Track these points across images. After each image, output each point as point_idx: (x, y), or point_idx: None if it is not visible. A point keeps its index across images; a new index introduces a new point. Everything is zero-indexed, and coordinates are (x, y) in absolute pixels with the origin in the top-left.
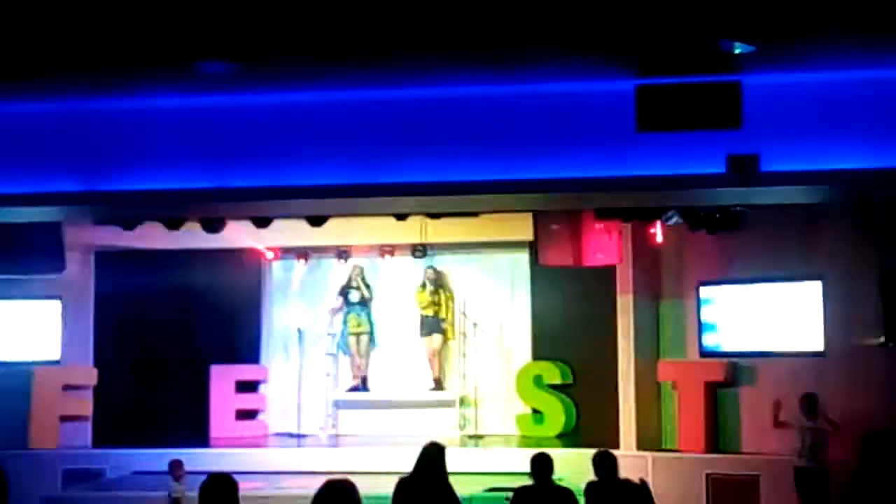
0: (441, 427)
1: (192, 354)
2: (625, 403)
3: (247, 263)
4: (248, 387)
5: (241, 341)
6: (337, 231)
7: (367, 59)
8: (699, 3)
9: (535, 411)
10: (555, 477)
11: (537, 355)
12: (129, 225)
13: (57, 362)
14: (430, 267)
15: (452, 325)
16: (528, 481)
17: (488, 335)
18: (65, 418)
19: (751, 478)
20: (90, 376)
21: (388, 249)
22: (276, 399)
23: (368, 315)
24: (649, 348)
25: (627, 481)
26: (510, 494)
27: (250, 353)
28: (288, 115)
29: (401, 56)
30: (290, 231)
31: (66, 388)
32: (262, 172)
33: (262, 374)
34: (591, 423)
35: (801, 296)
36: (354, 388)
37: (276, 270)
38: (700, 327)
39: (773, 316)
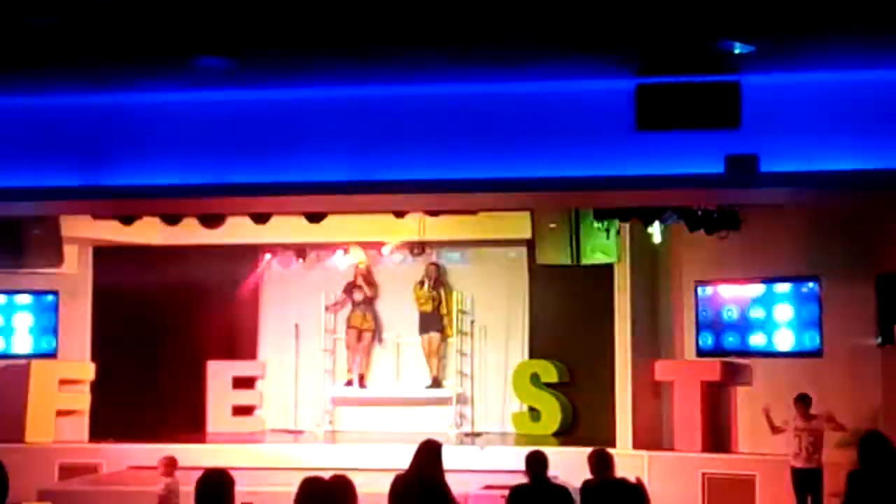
0: (438, 424)
1: (189, 350)
2: (621, 402)
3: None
4: (244, 383)
5: (239, 337)
6: (335, 228)
7: (366, 55)
8: (699, 3)
9: (532, 409)
10: (550, 475)
11: (534, 354)
12: (127, 220)
13: (54, 356)
14: (432, 263)
15: (451, 322)
16: (523, 479)
17: (486, 333)
18: (61, 412)
19: (747, 477)
20: (87, 371)
21: (385, 246)
22: (273, 395)
23: (374, 312)
24: (646, 347)
25: (623, 480)
26: (506, 493)
27: (248, 349)
28: (286, 112)
29: (400, 53)
30: (288, 227)
31: (63, 382)
32: (261, 168)
33: (259, 369)
34: (587, 422)
35: (797, 296)
36: (349, 384)
37: (274, 266)
38: (697, 327)
39: (770, 316)
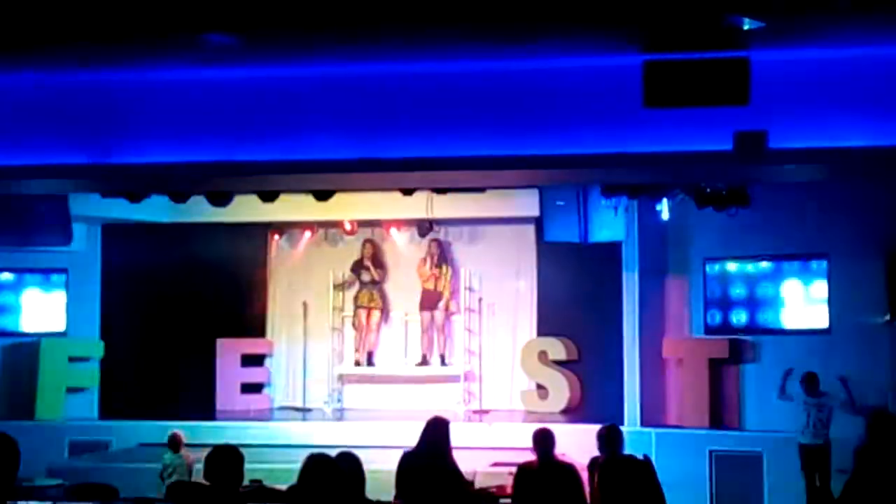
0: (446, 402)
1: (197, 327)
2: (629, 380)
3: (253, 237)
4: (253, 360)
5: (247, 315)
6: (343, 206)
7: (374, 33)
8: None
9: (540, 387)
10: (557, 452)
11: (542, 331)
12: (136, 198)
13: (63, 334)
14: (434, 240)
15: (450, 300)
16: (531, 457)
17: (493, 311)
18: (71, 390)
19: (754, 454)
20: (96, 348)
21: (393, 225)
22: (282, 373)
23: (381, 291)
24: (654, 325)
25: (631, 457)
26: (514, 469)
27: (256, 327)
28: (295, 89)
29: (407, 30)
30: (296, 205)
31: (73, 360)
32: (269, 146)
33: (267, 347)
34: (595, 400)
35: (806, 273)
36: (357, 364)
37: (283, 244)
38: (705, 304)
39: (778, 293)
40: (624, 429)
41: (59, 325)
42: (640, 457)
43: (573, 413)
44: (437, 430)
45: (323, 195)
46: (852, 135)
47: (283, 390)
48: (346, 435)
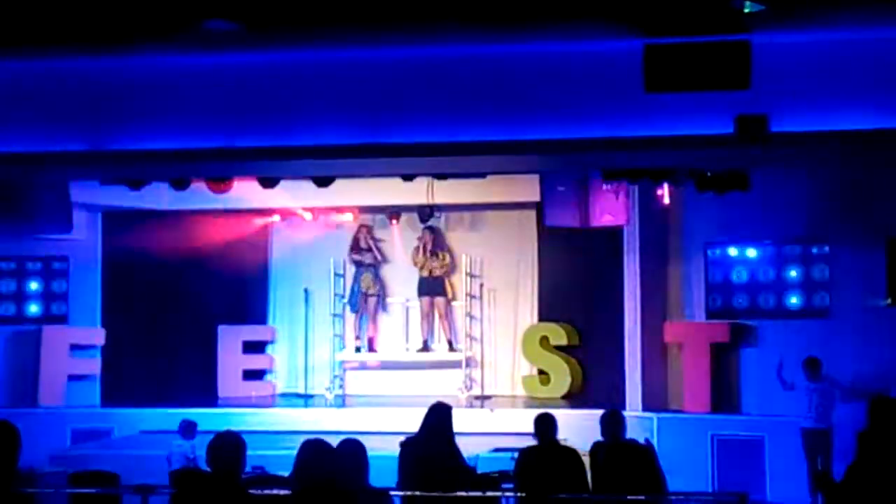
0: (447, 387)
1: (199, 314)
2: (631, 364)
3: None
4: (255, 347)
5: (249, 302)
6: (344, 192)
7: (374, 18)
8: None
9: (542, 372)
10: (560, 437)
11: (543, 316)
12: (136, 185)
13: (65, 322)
14: (427, 228)
15: (451, 285)
16: (533, 442)
17: (495, 296)
18: (73, 377)
19: (756, 438)
20: (98, 336)
21: (394, 211)
22: (284, 359)
23: (380, 277)
24: (655, 309)
25: (633, 442)
26: (515, 454)
27: (258, 314)
28: (295, 75)
29: (408, 16)
30: (296, 191)
31: (74, 347)
32: (269, 132)
33: (269, 334)
34: (597, 385)
35: (807, 257)
36: (357, 349)
37: (284, 231)
38: (707, 288)
39: (779, 277)
40: (626, 413)
41: (60, 312)
42: (642, 441)
43: (575, 398)
44: (439, 416)
45: (323, 181)
46: (853, 118)
47: (284, 377)
48: (348, 421)
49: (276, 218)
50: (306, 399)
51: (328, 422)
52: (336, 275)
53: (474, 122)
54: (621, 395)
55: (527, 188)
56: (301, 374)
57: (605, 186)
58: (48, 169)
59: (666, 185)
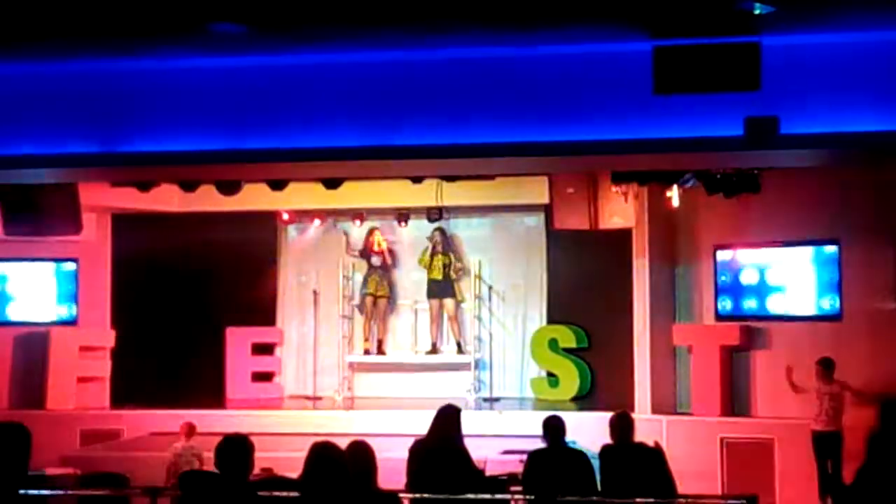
0: (456, 390)
1: (208, 316)
2: (640, 367)
3: (263, 226)
4: (263, 349)
5: (257, 303)
6: (352, 194)
7: (382, 19)
8: None
9: (550, 375)
10: (568, 439)
11: (552, 319)
12: (145, 187)
13: (74, 324)
14: (437, 229)
15: (459, 288)
16: (542, 444)
17: (504, 299)
18: (82, 379)
19: (765, 441)
20: (107, 338)
21: (403, 213)
22: (292, 361)
23: (390, 279)
24: (665, 312)
25: (642, 445)
26: (524, 457)
27: (266, 316)
28: (304, 77)
29: (416, 17)
30: (305, 193)
31: (84, 349)
32: (278, 134)
33: (277, 336)
34: (605, 387)
35: (818, 260)
36: (367, 352)
37: (292, 233)
38: (716, 291)
39: (789, 279)
40: (634, 416)
41: (69, 314)
42: (651, 444)
43: (583, 401)
44: (448, 418)
45: (332, 183)
46: (865, 120)
47: (293, 379)
48: (356, 423)
49: (286, 216)
50: (315, 401)
51: (336, 424)
52: (345, 277)
53: (483, 123)
54: (630, 398)
55: (535, 190)
56: (309, 376)
57: (614, 188)
58: (57, 171)
59: (675, 188)
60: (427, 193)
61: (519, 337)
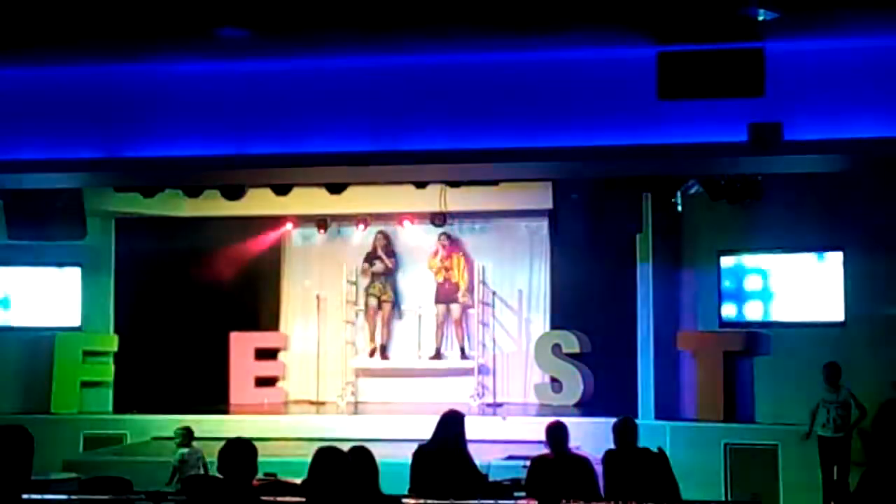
0: (460, 395)
1: (211, 321)
2: (643, 373)
3: (266, 231)
4: (267, 354)
5: (261, 308)
6: (356, 199)
7: (386, 25)
8: None
9: (554, 380)
10: (572, 445)
11: (556, 324)
12: (149, 192)
13: (78, 328)
14: (444, 234)
15: (466, 292)
16: (545, 450)
17: (507, 304)
18: (86, 384)
19: (769, 447)
20: (111, 342)
21: (406, 218)
22: (296, 366)
23: (393, 284)
24: (668, 318)
25: (645, 450)
26: (528, 462)
27: (270, 321)
28: (307, 82)
29: (421, 22)
30: (309, 198)
31: (87, 354)
32: (282, 139)
33: (281, 341)
34: (609, 393)
35: (821, 265)
36: (372, 354)
37: (296, 238)
38: (720, 297)
39: (793, 286)
40: (638, 422)
41: (73, 319)
42: (655, 450)
43: (587, 406)
44: (451, 424)
45: (336, 188)
46: (868, 126)
47: (296, 384)
48: (360, 428)
49: (289, 226)
50: (318, 406)
51: (340, 429)
52: (349, 281)
53: (487, 129)
54: (634, 404)
55: (539, 195)
56: (313, 380)
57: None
58: (62, 176)
59: (679, 193)
60: (431, 199)
61: (522, 342)
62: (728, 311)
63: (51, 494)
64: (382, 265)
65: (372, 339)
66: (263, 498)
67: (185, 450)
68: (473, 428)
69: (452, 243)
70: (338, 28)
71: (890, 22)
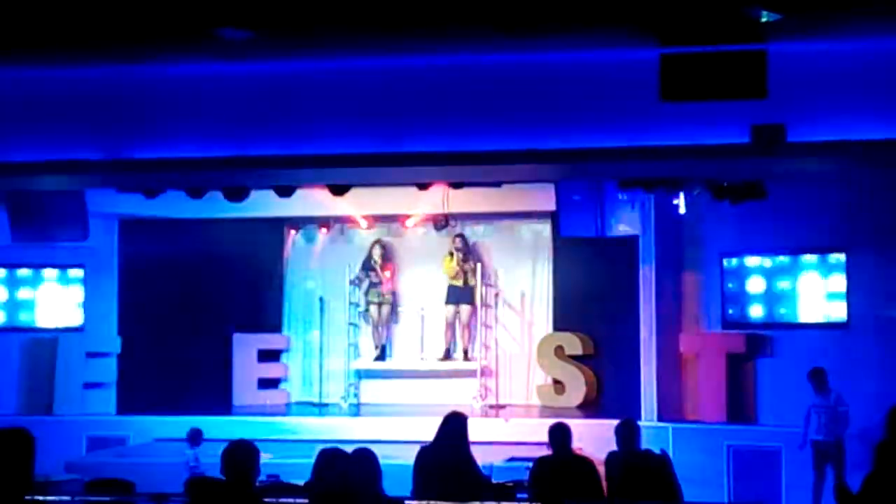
0: (462, 397)
1: (214, 323)
2: (646, 374)
3: (269, 232)
4: (270, 355)
5: (264, 310)
6: (359, 200)
7: (389, 26)
8: None
9: (557, 382)
10: (574, 447)
11: (558, 326)
12: (152, 193)
13: (81, 330)
14: (458, 235)
15: (480, 294)
16: (547, 451)
17: (510, 306)
18: (89, 385)
19: (772, 449)
20: (114, 344)
21: (409, 219)
22: (298, 368)
23: (392, 287)
24: (671, 319)
25: (648, 452)
26: (530, 464)
27: (273, 322)
28: (310, 84)
29: (423, 24)
30: (312, 200)
31: (90, 355)
32: (284, 141)
33: (284, 342)
34: (612, 394)
35: (824, 267)
36: (378, 358)
37: (299, 239)
38: (722, 298)
39: (796, 287)
40: (641, 424)
41: (76, 320)
42: (658, 452)
43: (590, 408)
44: (454, 425)
45: (339, 190)
46: (871, 128)
47: (299, 385)
48: (362, 430)
49: (292, 229)
50: (321, 407)
51: (343, 430)
52: (351, 284)
53: (489, 130)
54: (636, 405)
55: (542, 197)
56: (316, 382)
57: (620, 196)
58: (65, 177)
59: (682, 195)
60: (434, 200)
61: (525, 344)
62: (731, 312)
63: (53, 496)
64: (378, 277)
65: (377, 346)
66: (266, 500)
67: (192, 451)
68: (476, 429)
69: (467, 245)
70: (341, 29)
71: (892, 24)
